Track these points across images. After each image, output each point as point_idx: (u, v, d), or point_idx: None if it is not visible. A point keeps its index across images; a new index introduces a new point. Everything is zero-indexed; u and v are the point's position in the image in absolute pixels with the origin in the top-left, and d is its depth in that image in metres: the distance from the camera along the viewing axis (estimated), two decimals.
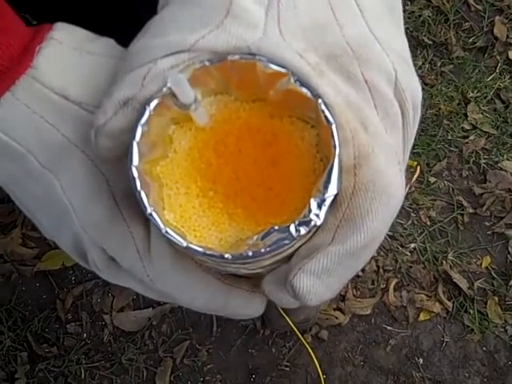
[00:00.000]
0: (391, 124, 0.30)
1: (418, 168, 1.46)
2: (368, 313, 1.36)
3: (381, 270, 1.39)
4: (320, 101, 0.27)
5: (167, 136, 0.30)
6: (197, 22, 0.28)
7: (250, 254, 0.27)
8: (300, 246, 0.30)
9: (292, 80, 0.27)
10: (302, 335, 1.28)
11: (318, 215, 0.27)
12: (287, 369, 1.32)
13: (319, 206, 0.27)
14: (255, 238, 0.28)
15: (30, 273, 1.37)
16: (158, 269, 0.32)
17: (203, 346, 1.34)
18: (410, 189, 1.45)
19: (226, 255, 0.27)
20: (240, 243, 0.30)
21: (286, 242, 0.27)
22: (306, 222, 0.27)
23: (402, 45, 0.32)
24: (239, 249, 0.28)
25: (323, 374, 1.30)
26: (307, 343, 1.27)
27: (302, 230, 0.27)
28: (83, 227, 0.32)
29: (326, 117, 0.27)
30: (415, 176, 1.46)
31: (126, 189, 0.31)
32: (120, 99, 0.28)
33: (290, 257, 0.30)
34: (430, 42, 1.64)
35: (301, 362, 1.32)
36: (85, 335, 1.35)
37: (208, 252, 0.27)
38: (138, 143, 0.27)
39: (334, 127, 0.27)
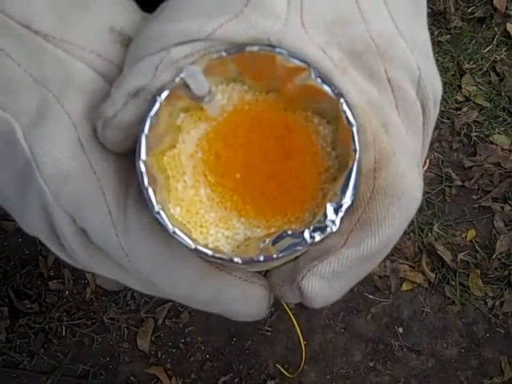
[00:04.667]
0: (412, 125, 0.29)
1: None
2: None
3: None
4: (342, 100, 0.25)
5: (176, 125, 0.28)
6: (214, 7, 0.26)
7: (262, 258, 0.25)
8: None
9: (313, 76, 0.25)
10: None
11: (333, 221, 0.25)
12: (268, 333, 1.33)
13: (336, 212, 0.25)
14: (266, 241, 0.26)
15: (13, 228, 1.36)
16: (134, 237, 0.28)
17: (185, 307, 1.34)
18: None
19: (236, 259, 0.25)
20: (248, 242, 0.28)
21: (299, 248, 0.25)
22: (322, 229, 0.25)
23: (425, 39, 0.30)
24: (248, 250, 0.27)
25: (304, 340, 1.31)
26: (289, 309, 1.28)
27: (317, 237, 0.25)
28: (46, 181, 0.27)
29: (347, 118, 0.25)
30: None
31: (94, 131, 0.27)
32: (130, 90, 0.26)
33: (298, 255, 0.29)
34: (429, 10, 1.61)
35: (282, 328, 1.33)
36: (67, 293, 1.34)
37: (217, 255, 0.26)
38: (146, 136, 0.26)
39: (355, 129, 0.25)
